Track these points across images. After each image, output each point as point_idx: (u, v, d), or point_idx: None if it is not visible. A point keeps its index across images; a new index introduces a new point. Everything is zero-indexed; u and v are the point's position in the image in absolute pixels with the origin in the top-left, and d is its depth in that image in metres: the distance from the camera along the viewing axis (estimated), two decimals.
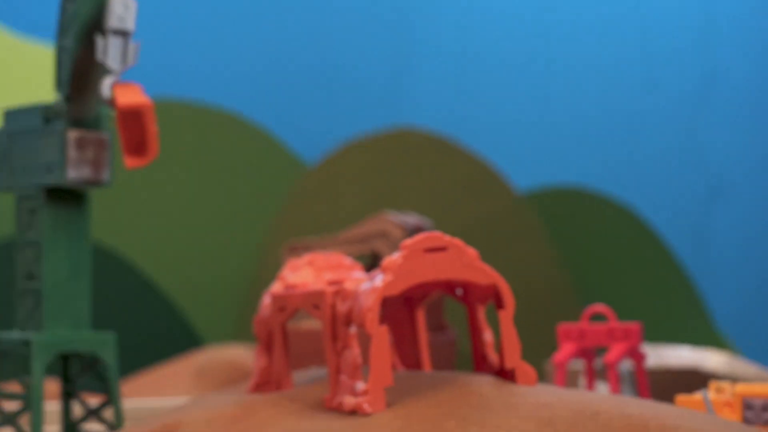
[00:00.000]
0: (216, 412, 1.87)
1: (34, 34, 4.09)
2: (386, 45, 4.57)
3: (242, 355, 3.62)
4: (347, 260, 1.99)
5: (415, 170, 4.51)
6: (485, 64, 4.65)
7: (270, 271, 4.08)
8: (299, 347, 2.22)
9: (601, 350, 2.38)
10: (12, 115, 2.25)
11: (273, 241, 4.20)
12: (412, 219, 2.86)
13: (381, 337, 1.61)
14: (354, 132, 4.48)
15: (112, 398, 2.25)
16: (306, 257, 1.99)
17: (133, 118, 2.07)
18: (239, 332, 4.18)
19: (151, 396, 3.18)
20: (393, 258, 1.64)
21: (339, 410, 1.66)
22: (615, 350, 2.27)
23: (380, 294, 1.61)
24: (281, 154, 4.43)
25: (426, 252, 1.64)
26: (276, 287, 1.93)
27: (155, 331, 4.07)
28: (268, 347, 1.92)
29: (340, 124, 4.49)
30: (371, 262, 2.76)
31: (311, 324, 2.58)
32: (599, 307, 2.33)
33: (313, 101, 4.48)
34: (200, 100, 4.29)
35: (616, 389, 2.22)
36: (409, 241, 1.64)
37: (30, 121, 2.21)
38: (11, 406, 2.54)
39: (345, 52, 4.53)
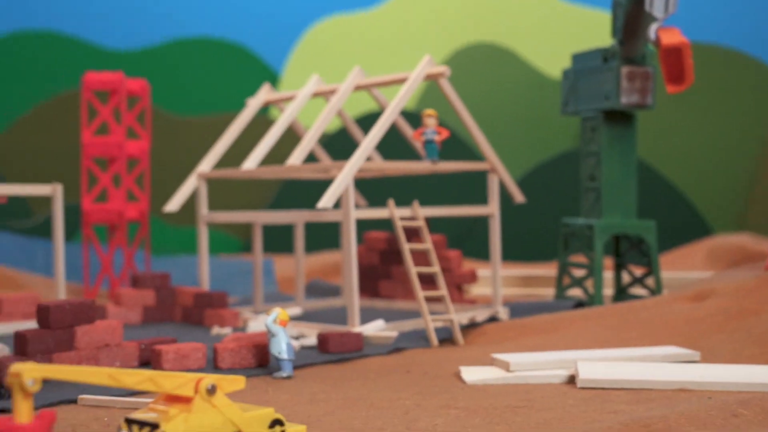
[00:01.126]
0: (740, 283, 1.77)
1: (589, 4, 4.12)
2: None
3: (745, 241, 3.40)
4: None
5: None
6: None
7: (766, 175, 3.82)
8: None
9: None
10: (578, 57, 2.25)
11: (767, 152, 3.91)
12: None
13: None
14: None
15: (653, 270, 2.21)
16: None
17: (673, 54, 1.98)
18: (742, 223, 3.96)
19: (675, 270, 3.09)
20: None
21: None
22: None
23: None
24: None
25: None
26: None
27: (677, 221, 3.94)
28: None
29: None
30: None
31: None
32: None
33: None
34: (717, 42, 4.06)
35: None
36: None
37: (591, 61, 2.19)
38: (579, 273, 2.58)
39: None
